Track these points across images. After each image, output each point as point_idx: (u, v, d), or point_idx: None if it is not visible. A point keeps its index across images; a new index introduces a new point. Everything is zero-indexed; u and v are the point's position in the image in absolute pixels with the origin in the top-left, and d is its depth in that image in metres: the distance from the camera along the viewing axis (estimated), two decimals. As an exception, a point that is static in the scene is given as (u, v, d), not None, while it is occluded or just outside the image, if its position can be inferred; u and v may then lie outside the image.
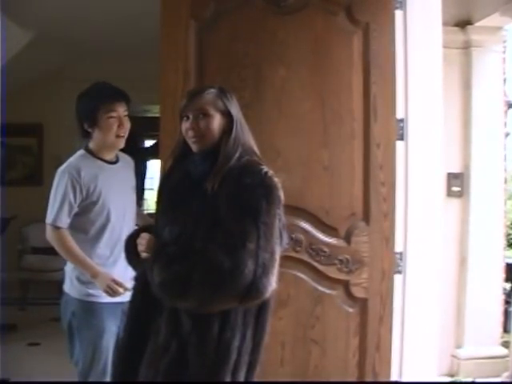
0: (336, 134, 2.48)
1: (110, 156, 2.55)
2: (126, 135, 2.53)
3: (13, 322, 4.89)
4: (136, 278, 1.89)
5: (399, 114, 2.52)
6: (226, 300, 1.63)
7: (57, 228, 2.42)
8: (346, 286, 2.46)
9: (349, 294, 2.46)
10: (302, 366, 2.43)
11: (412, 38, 2.54)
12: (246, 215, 1.63)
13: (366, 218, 2.47)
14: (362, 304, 2.46)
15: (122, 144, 2.54)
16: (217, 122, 1.82)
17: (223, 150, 1.78)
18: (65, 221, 2.42)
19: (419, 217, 2.55)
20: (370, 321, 2.45)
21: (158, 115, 2.51)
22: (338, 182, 2.47)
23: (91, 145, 2.54)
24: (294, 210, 2.35)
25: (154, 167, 7.26)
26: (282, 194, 1.72)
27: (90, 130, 2.50)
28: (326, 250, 2.43)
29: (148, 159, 7.88)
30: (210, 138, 1.81)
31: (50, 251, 6.40)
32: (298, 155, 2.46)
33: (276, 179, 1.73)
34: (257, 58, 2.46)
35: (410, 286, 2.52)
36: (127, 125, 2.51)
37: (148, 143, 8.96)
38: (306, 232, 2.43)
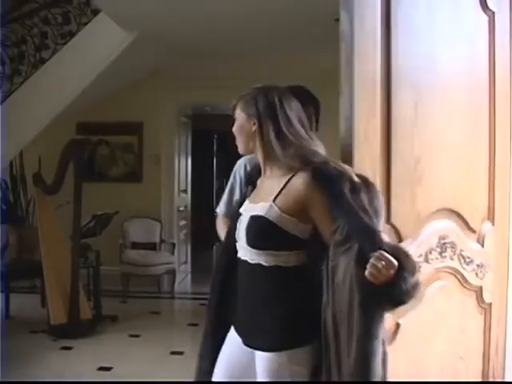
0: (475, 128, 2.26)
1: None
2: None
3: (115, 314, 5.10)
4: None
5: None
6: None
7: (217, 214, 2.53)
8: (479, 291, 2.26)
9: (480, 300, 2.27)
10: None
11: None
12: None
13: (492, 218, 2.28)
14: (488, 308, 2.29)
15: None
16: (244, 127, 1.82)
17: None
18: (221, 208, 2.50)
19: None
20: (494, 325, 2.27)
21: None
22: (475, 179, 2.25)
23: None
24: (451, 212, 2.16)
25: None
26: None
27: None
28: (469, 255, 2.21)
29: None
30: (240, 142, 1.85)
31: (147, 246, 6.68)
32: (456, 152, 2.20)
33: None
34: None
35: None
36: None
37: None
38: (458, 237, 2.19)
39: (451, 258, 2.14)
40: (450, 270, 2.16)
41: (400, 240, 1.97)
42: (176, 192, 6.78)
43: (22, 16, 5.04)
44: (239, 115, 1.84)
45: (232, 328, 1.88)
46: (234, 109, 1.86)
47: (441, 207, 2.11)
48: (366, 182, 1.72)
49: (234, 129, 1.86)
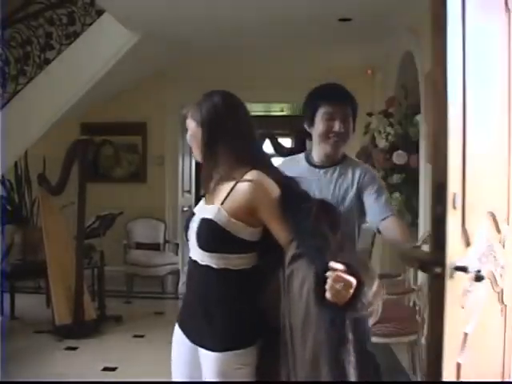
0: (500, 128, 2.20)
1: (318, 158, 2.31)
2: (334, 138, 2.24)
3: (119, 314, 5.10)
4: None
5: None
6: None
7: None
8: (501, 293, 2.21)
9: (501, 302, 2.25)
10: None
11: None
12: None
13: (508, 217, 2.23)
14: (504, 310, 2.27)
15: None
16: (196, 135, 1.83)
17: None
18: None
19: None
20: (508, 326, 2.26)
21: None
22: (502, 179, 2.19)
23: None
24: (490, 215, 2.10)
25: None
26: None
27: None
28: (498, 256, 2.14)
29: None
30: (196, 152, 1.90)
31: (152, 246, 6.66)
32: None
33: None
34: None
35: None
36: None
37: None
38: (493, 239, 2.12)
39: (490, 261, 2.10)
40: (488, 274, 2.11)
41: (468, 245, 1.92)
42: (180, 192, 6.78)
43: (27, 17, 5.05)
44: (190, 124, 1.84)
45: (176, 326, 1.90)
46: (185, 118, 1.85)
47: (486, 210, 2.07)
48: (322, 201, 1.76)
49: (188, 138, 1.86)
